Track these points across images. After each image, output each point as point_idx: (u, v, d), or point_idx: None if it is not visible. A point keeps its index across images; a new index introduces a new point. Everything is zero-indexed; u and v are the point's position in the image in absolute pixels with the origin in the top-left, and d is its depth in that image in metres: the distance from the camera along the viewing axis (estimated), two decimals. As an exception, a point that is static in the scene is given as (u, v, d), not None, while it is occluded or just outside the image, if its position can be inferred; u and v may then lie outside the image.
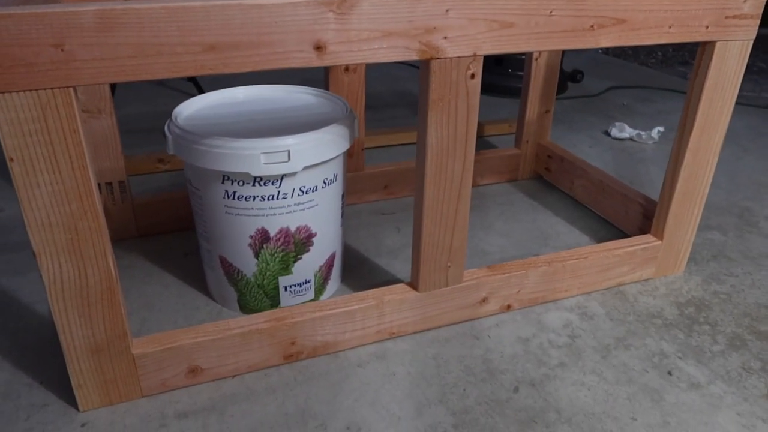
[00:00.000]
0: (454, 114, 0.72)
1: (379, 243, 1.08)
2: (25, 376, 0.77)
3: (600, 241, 1.10)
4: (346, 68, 1.09)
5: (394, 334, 0.84)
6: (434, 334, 0.85)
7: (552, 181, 1.30)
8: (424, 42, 0.66)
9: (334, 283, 0.94)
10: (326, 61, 0.63)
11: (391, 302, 0.81)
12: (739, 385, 0.78)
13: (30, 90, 0.55)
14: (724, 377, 0.79)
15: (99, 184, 1.02)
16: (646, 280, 0.99)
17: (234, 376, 0.77)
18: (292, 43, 0.61)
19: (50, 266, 0.62)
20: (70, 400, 0.73)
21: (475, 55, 0.69)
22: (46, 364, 0.79)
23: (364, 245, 1.07)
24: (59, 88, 0.55)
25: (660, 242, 0.96)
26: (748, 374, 0.80)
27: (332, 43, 0.63)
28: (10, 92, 0.54)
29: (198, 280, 0.96)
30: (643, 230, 1.05)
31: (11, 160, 0.57)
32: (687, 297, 0.95)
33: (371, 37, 0.64)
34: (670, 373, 0.79)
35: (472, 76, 0.70)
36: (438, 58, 0.68)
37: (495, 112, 1.79)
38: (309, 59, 0.63)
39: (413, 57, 0.67)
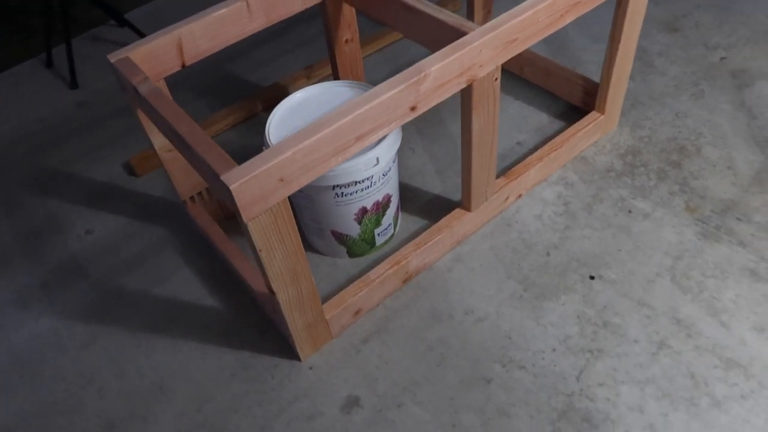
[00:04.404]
0: (486, 105, 1.04)
1: (406, 167, 1.43)
2: (250, 347, 1.14)
3: (555, 115, 1.50)
4: (346, 40, 1.31)
5: (459, 241, 1.25)
6: (483, 231, 1.27)
7: (503, 66, 1.64)
8: (468, 76, 0.96)
9: (399, 215, 1.31)
10: (415, 114, 0.93)
11: (457, 224, 1.21)
12: (669, 206, 1.27)
13: (265, 211, 0.84)
14: (660, 203, 1.28)
15: (192, 196, 1.28)
16: (596, 141, 1.42)
17: (378, 305, 1.17)
18: (398, 112, 0.90)
19: (282, 293, 0.96)
20: (289, 356, 1.12)
21: (497, 67, 1.00)
22: (253, 339, 1.15)
23: (396, 172, 1.42)
24: (281, 201, 0.84)
25: (603, 116, 1.37)
26: (673, 197, 1.29)
27: (419, 102, 0.92)
28: (256, 217, 0.83)
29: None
30: (585, 102, 1.46)
31: (260, 250, 0.87)
32: (624, 148, 1.40)
33: (439, 87, 0.93)
34: (630, 212, 1.27)
35: (495, 78, 1.02)
36: (476, 80, 0.98)
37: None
38: (407, 116, 0.92)
39: (462, 86, 0.97)
